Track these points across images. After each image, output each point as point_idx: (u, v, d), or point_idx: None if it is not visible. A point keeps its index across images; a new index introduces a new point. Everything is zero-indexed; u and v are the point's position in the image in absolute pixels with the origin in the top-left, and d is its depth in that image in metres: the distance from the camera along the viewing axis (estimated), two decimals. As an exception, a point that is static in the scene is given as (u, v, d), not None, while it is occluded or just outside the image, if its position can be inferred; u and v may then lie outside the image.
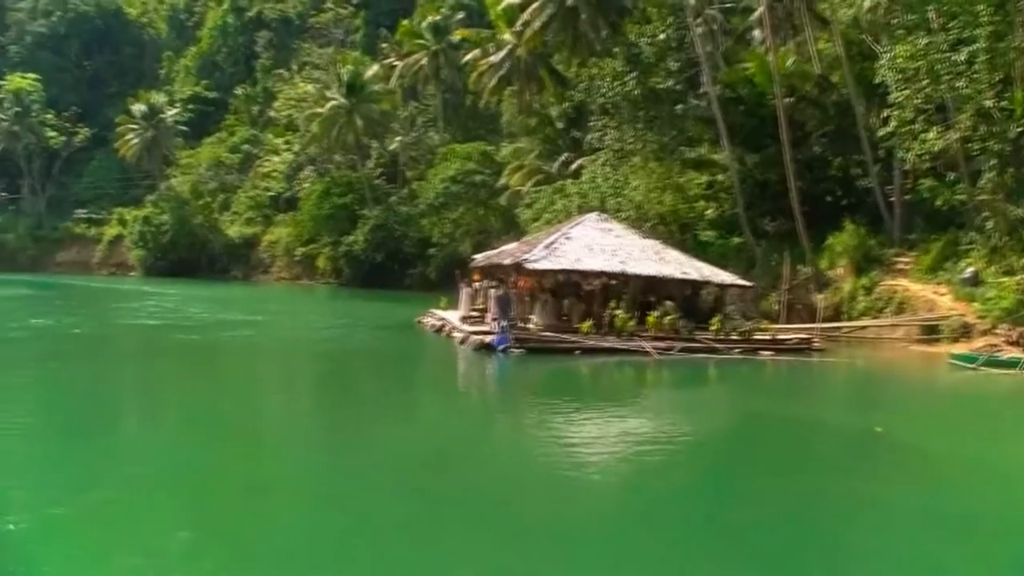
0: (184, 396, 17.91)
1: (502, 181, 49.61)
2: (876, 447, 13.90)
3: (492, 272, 29.53)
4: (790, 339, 26.23)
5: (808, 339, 26.46)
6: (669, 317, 24.79)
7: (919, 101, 27.05)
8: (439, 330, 28.51)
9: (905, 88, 27.35)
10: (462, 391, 21.08)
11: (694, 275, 26.82)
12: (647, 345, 23.53)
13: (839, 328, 29.62)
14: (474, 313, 28.10)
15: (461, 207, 52.18)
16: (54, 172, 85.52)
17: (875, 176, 32.16)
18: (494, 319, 24.84)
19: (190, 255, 71.55)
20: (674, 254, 27.77)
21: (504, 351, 22.98)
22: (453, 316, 29.04)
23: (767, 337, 25.90)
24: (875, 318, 29.14)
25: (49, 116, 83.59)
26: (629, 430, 14.94)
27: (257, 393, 18.56)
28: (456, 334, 26.39)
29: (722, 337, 24.82)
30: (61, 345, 24.76)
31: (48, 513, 8.80)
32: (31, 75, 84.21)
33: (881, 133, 29.50)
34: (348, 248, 59.09)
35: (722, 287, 27.05)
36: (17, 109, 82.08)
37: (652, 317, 24.85)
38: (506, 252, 29.90)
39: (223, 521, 9.16)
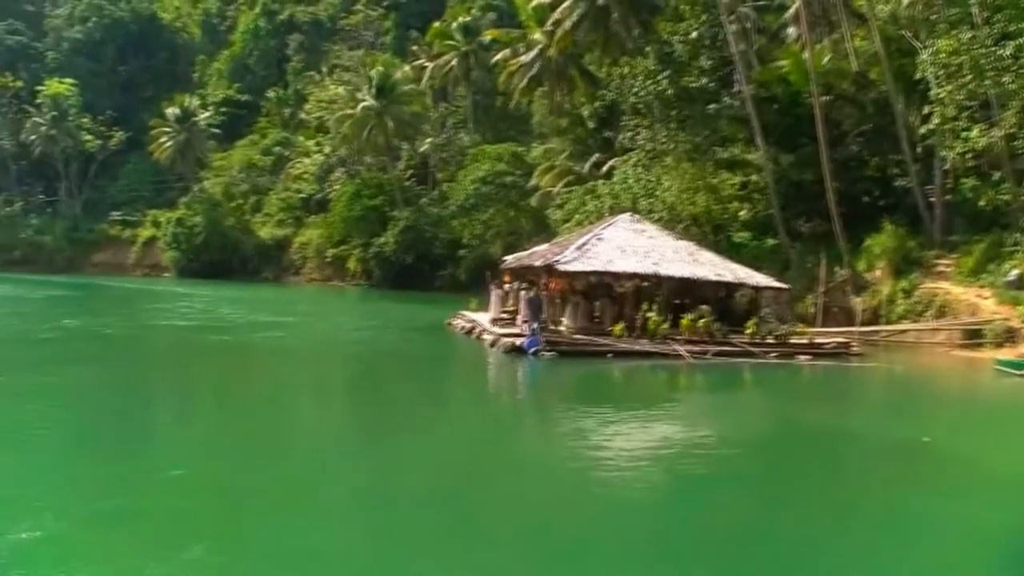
0: (212, 398, 17.88)
1: (533, 182, 49.35)
2: (920, 457, 13.36)
3: (523, 274, 29.23)
4: (827, 343, 25.65)
5: (846, 343, 25.84)
6: (703, 320, 24.34)
7: (962, 97, 26.30)
8: (469, 332, 28.28)
9: (947, 84, 26.61)
10: (492, 395, 20.80)
11: (728, 277, 26.30)
12: (681, 349, 23.09)
13: (878, 332, 28.89)
14: (504, 315, 27.83)
15: (491, 208, 51.99)
16: (90, 175, 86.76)
17: (915, 175, 31.33)
18: (525, 321, 24.54)
19: (222, 256, 72.10)
20: (708, 256, 27.26)
21: (535, 354, 22.68)
22: (483, 318, 28.81)
23: (804, 341, 25.36)
24: (915, 322, 28.40)
25: (85, 120, 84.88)
26: (662, 437, 14.56)
27: (286, 395, 18.42)
28: (486, 336, 26.14)
29: (757, 341, 24.29)
30: (92, 346, 24.90)
31: (59, 520, 8.64)
32: (68, 80, 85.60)
33: (921, 131, 28.81)
34: (378, 249, 59.15)
35: (757, 289, 26.52)
36: (54, 113, 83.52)
37: (686, 320, 24.42)
38: (537, 253, 29.59)
39: (239, 527, 8.95)
